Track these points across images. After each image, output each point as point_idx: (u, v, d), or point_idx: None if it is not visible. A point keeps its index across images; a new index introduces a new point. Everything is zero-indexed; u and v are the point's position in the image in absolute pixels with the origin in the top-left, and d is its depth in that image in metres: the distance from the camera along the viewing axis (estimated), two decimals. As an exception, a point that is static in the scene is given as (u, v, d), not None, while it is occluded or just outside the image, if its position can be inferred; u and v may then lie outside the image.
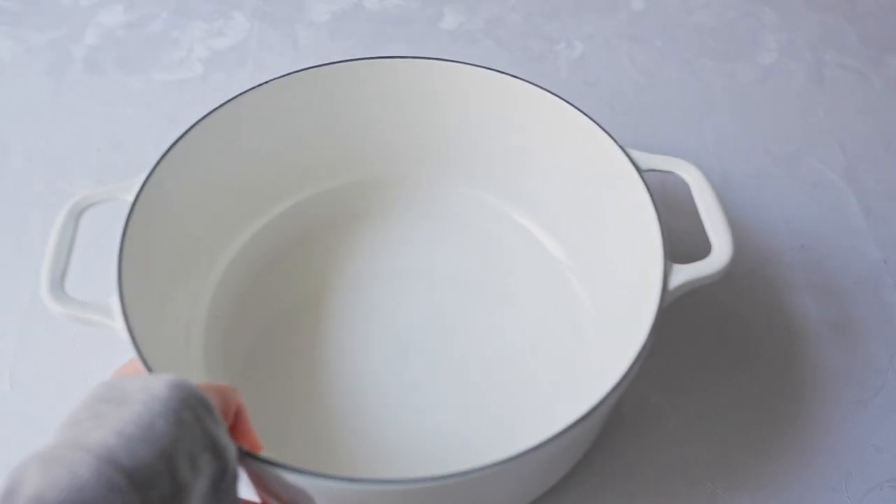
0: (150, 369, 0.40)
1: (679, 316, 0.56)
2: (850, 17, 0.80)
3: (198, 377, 0.50)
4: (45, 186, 0.64)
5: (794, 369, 0.55)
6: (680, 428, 0.52)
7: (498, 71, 0.56)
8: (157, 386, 0.34)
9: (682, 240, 0.56)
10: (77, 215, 0.47)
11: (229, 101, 0.54)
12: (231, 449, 0.36)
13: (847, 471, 0.51)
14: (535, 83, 0.55)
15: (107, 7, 0.78)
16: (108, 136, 0.68)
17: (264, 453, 0.38)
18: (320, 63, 0.57)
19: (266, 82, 0.55)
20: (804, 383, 0.54)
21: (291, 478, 0.38)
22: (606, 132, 0.51)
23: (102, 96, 0.71)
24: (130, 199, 0.48)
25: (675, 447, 0.51)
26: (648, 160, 0.50)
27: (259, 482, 0.41)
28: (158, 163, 0.49)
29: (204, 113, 0.53)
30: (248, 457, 0.38)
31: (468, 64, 0.56)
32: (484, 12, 0.79)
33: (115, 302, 0.43)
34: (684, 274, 0.45)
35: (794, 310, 0.58)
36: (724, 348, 0.56)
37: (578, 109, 0.53)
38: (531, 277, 0.58)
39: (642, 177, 0.49)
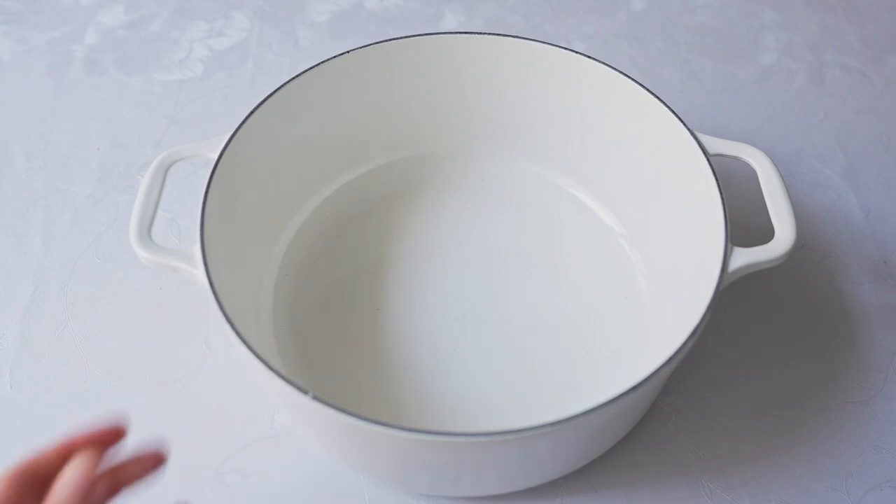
0: (226, 315, 0.43)
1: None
2: (850, 17, 0.80)
3: (266, 330, 0.54)
4: (45, 186, 0.64)
5: (792, 369, 0.55)
6: (679, 427, 0.52)
7: (570, 50, 0.57)
8: None
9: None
10: (165, 169, 0.50)
11: (309, 69, 0.56)
12: None
13: (847, 471, 0.51)
14: (605, 62, 0.56)
15: (107, 7, 0.78)
16: (108, 136, 0.68)
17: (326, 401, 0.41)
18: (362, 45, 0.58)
19: (342, 53, 0.57)
20: (803, 383, 0.54)
21: (348, 422, 0.39)
22: (677, 115, 0.52)
23: (102, 96, 0.71)
24: (214, 156, 0.50)
25: (674, 446, 0.51)
26: (716, 144, 0.51)
27: None
28: (241, 125, 0.52)
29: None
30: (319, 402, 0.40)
31: (535, 41, 0.58)
32: (484, 12, 0.79)
33: (197, 251, 0.45)
34: (745, 257, 0.46)
35: (793, 310, 0.58)
36: (721, 348, 0.56)
37: (649, 91, 0.54)
38: (587, 248, 0.59)
39: (710, 161, 0.50)
